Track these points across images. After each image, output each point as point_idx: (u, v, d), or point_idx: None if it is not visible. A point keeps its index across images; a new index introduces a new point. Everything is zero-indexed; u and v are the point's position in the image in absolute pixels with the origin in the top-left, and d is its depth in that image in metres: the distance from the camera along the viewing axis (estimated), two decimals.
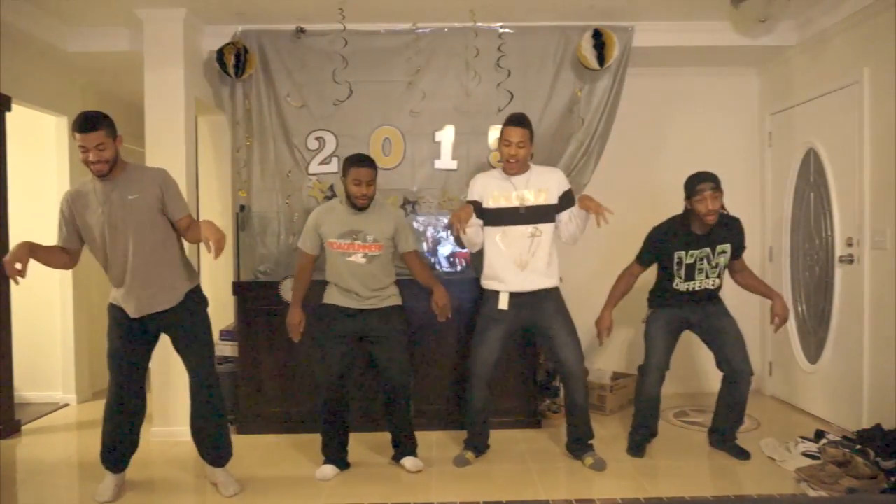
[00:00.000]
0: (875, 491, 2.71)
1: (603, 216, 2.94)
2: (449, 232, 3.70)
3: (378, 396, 3.25)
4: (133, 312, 2.75)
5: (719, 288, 3.27)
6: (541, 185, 3.14)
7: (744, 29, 3.98)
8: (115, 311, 2.82)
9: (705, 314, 3.24)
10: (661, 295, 3.30)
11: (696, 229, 3.15)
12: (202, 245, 2.90)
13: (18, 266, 2.47)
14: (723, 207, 3.14)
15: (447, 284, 3.67)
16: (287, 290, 3.67)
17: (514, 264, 3.10)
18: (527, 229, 3.10)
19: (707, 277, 3.19)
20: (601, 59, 3.74)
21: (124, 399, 2.80)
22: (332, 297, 3.12)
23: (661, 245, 3.22)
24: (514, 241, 3.11)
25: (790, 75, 4.21)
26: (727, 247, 3.17)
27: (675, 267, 3.18)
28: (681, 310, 3.25)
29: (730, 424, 3.31)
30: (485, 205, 3.14)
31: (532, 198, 3.12)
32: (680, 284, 3.21)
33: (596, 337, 3.29)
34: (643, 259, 3.29)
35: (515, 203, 3.12)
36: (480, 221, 3.15)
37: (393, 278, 3.19)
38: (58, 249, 2.76)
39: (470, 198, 3.19)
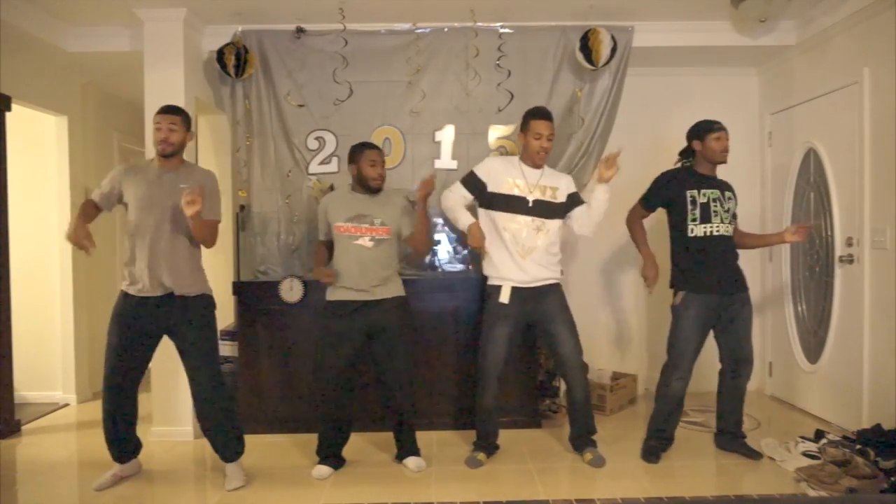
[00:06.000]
0: (875, 491, 2.71)
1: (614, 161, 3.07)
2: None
3: (379, 393, 3.22)
4: (146, 289, 2.82)
5: (734, 243, 3.18)
6: (552, 184, 3.20)
7: (744, 29, 3.98)
8: (124, 301, 2.87)
9: (731, 301, 3.12)
10: (687, 266, 3.11)
11: (704, 170, 3.16)
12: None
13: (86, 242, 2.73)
14: None
15: (449, 283, 3.65)
16: (287, 291, 3.67)
17: (515, 252, 3.11)
18: (532, 221, 3.12)
19: (722, 222, 3.09)
20: (591, 62, 3.73)
21: (114, 396, 2.89)
22: (337, 293, 3.06)
23: (670, 185, 3.15)
24: (517, 230, 3.12)
25: (790, 75, 4.21)
26: (732, 194, 3.18)
27: (690, 206, 3.09)
28: (717, 294, 3.07)
29: (735, 422, 3.28)
30: (492, 188, 3.16)
31: (542, 193, 3.16)
32: (696, 228, 3.08)
33: (646, 287, 3.19)
34: (649, 202, 3.22)
35: (525, 194, 3.14)
36: (469, 197, 3.20)
37: (397, 269, 3.18)
38: (90, 203, 2.93)
39: (476, 171, 3.21)
